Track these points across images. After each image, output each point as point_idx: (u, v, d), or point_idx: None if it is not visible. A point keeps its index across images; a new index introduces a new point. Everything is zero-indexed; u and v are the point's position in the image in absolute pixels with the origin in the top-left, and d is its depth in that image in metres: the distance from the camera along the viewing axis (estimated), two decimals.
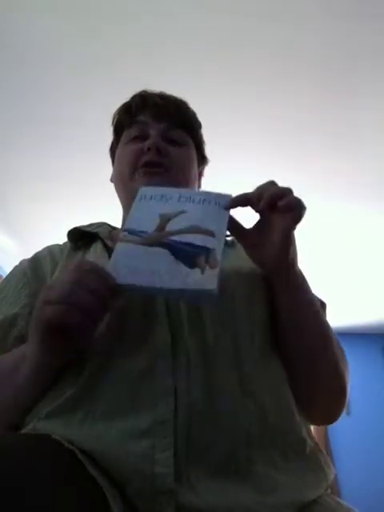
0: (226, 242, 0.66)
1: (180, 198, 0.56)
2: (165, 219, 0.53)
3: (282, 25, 1.54)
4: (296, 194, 0.52)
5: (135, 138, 0.70)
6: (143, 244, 0.50)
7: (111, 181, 0.77)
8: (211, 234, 0.52)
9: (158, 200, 0.56)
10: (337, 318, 4.33)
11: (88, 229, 0.70)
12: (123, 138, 0.73)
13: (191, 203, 0.56)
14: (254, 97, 1.86)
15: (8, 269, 2.36)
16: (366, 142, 2.08)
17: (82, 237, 0.69)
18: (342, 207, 2.59)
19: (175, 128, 0.70)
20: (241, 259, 0.62)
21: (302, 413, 0.55)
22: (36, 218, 2.74)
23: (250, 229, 0.56)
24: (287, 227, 0.51)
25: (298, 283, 0.57)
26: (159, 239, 0.50)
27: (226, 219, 0.55)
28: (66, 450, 0.41)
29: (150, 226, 0.52)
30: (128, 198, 0.68)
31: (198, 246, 0.50)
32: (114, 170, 0.75)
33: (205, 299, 0.49)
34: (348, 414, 4.22)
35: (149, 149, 0.66)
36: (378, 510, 3.25)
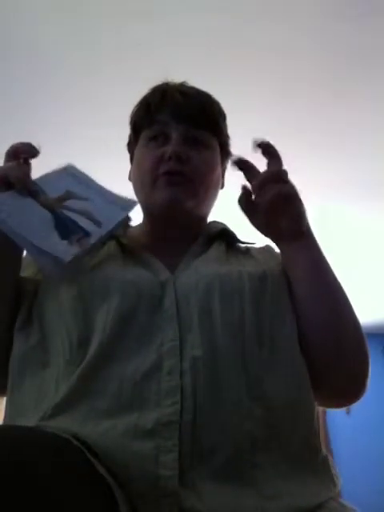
0: (240, 248, 0.70)
1: (95, 190, 0.61)
2: (67, 195, 0.58)
3: (281, 26, 1.54)
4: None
5: (155, 138, 0.67)
6: (37, 201, 0.55)
7: (129, 180, 0.74)
8: (98, 224, 0.56)
9: (76, 181, 0.61)
10: None
11: None
12: (142, 139, 0.70)
13: (100, 198, 0.60)
14: (254, 97, 1.86)
15: None
16: (364, 142, 2.08)
17: None
18: (342, 207, 2.59)
19: (198, 129, 0.67)
20: (252, 265, 0.62)
21: (324, 391, 0.55)
22: None
23: (254, 208, 0.59)
24: (274, 204, 0.55)
25: (316, 251, 0.59)
26: (52, 205, 0.55)
27: (120, 220, 0.59)
28: (75, 447, 0.41)
29: (53, 192, 0.57)
30: (149, 204, 0.68)
31: (80, 226, 0.54)
32: (133, 172, 0.72)
33: (58, 271, 0.52)
34: (348, 413, 4.22)
35: (170, 158, 0.63)
36: (378, 510, 3.25)
